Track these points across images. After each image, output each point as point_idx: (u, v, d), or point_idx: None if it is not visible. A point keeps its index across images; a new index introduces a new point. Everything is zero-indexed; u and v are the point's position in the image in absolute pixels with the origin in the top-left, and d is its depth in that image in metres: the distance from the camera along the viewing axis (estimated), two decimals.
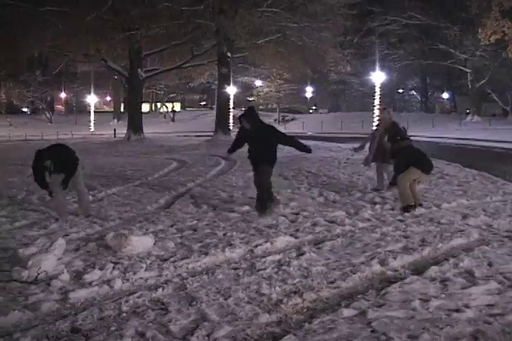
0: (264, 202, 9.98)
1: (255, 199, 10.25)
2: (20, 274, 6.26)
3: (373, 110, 47.15)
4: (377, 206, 10.61)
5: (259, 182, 10.11)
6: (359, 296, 5.53)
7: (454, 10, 51.88)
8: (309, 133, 52.69)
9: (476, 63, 55.36)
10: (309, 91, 77.11)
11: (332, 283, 5.94)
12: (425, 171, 10.44)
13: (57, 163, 10.02)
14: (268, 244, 7.61)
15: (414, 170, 10.22)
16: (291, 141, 10.39)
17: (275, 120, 73.75)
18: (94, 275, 6.27)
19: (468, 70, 56.83)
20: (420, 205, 10.40)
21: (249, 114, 10.28)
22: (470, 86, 58.62)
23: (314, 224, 9.01)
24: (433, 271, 6.27)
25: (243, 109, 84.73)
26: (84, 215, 10.11)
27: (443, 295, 5.47)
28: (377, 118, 40.75)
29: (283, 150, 26.52)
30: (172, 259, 6.92)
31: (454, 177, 15.14)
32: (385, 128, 12.43)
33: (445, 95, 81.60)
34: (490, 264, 6.53)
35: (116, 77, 69.92)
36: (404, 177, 10.26)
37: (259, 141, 9.96)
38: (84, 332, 4.78)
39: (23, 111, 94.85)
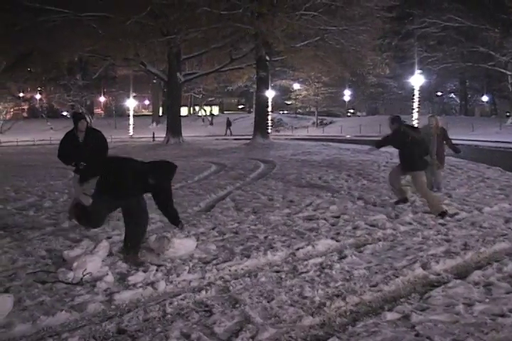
0: None
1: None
2: (65, 275, 6.35)
3: (412, 113, 46.82)
4: (418, 209, 10.56)
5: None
6: (402, 300, 5.53)
7: (495, 12, 51.24)
8: (347, 136, 52.48)
9: None
10: (347, 95, 76.73)
11: (374, 286, 5.94)
12: None
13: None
14: (309, 247, 7.63)
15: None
16: None
17: (313, 123, 73.63)
18: (138, 277, 6.34)
19: (508, 73, 56.08)
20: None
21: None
22: (511, 88, 57.83)
23: (355, 228, 9.01)
24: (476, 275, 6.24)
25: (281, 112, 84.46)
26: None
27: (487, 300, 5.44)
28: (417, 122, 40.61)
29: (321, 153, 26.58)
30: (214, 262, 6.97)
31: (495, 181, 14.98)
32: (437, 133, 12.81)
33: (485, 98, 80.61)
34: None
35: (155, 81, 70.53)
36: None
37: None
38: (130, 333, 4.85)
39: (63, 115, 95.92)
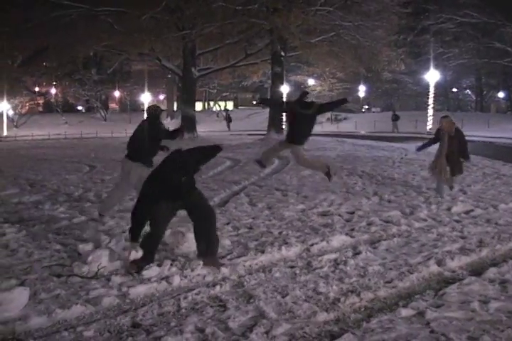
0: None
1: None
2: (80, 269, 6.39)
3: (427, 109, 46.65)
4: (433, 206, 10.52)
5: None
6: (417, 296, 5.52)
7: (511, 7, 50.95)
8: (362, 132, 52.34)
9: None
10: (362, 91, 76.49)
11: (389, 282, 5.93)
12: None
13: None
14: (324, 243, 7.62)
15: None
16: None
17: (328, 119, 73.49)
18: (152, 271, 6.35)
19: None
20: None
21: None
22: None
23: (370, 224, 8.99)
24: (492, 272, 6.21)
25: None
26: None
27: (503, 297, 5.42)
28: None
29: (336, 149, 26.53)
30: (229, 257, 6.98)
31: (510, 177, 14.92)
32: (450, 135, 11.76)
33: (501, 94, 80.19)
34: None
35: (169, 76, 70.51)
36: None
37: None
38: (144, 327, 4.86)
39: (78, 110, 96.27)
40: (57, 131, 61.67)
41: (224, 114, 78.08)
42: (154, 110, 10.04)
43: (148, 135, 9.57)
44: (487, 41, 56.80)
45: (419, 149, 13.32)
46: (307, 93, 11.17)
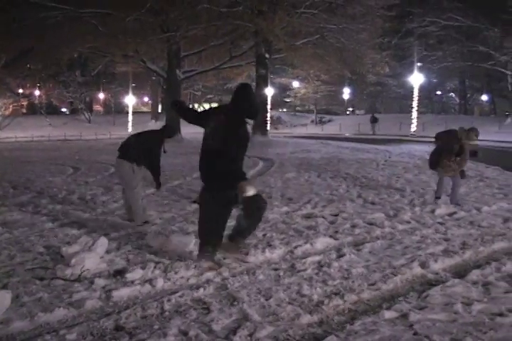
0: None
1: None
2: (63, 272, 6.35)
3: (411, 112, 46.85)
4: (417, 208, 10.55)
5: None
6: (400, 298, 5.52)
7: (495, 11, 51.25)
8: (346, 134, 52.53)
9: None
10: (346, 93, 76.78)
11: (373, 285, 5.93)
12: None
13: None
14: (308, 245, 7.61)
15: None
16: None
17: (312, 121, 73.66)
18: (136, 274, 6.32)
19: (508, 72, 56.19)
20: None
21: None
22: (510, 88, 57.97)
23: (353, 226, 9.00)
24: (475, 274, 6.23)
25: (281, 110, 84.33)
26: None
27: (485, 299, 5.43)
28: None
29: (320, 152, 26.58)
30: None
31: (494, 180, 15.00)
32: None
33: (484, 97, 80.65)
34: None
35: (154, 78, 70.37)
36: None
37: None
38: (127, 330, 4.83)
39: (62, 112, 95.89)
40: (41, 133, 61.34)
41: None
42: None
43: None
44: (471, 44, 57.10)
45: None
46: None
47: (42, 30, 38.31)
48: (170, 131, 10.06)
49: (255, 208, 6.64)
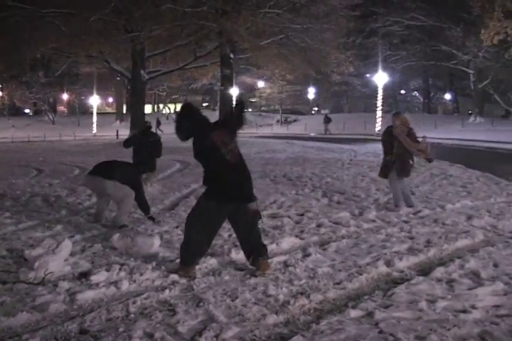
0: None
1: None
2: (27, 275, 6.26)
3: (376, 111, 47.17)
4: (382, 207, 10.63)
5: None
6: (366, 297, 5.55)
7: (457, 11, 51.78)
8: (312, 134, 52.70)
9: (478, 64, 55.32)
10: (311, 93, 77.07)
11: (338, 284, 5.96)
12: None
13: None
14: (274, 245, 7.62)
15: None
16: None
17: (277, 121, 73.76)
18: (100, 276, 6.27)
19: (470, 71, 56.77)
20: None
21: None
22: (472, 87, 58.55)
23: (319, 225, 9.04)
24: (439, 271, 6.29)
25: (246, 110, 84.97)
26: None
27: (449, 296, 5.49)
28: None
29: (286, 151, 26.62)
30: (178, 261, 6.92)
31: (457, 178, 15.16)
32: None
33: (447, 96, 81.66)
34: (495, 265, 6.56)
35: (118, 78, 69.96)
36: None
37: None
38: (92, 333, 4.79)
39: (25, 113, 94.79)
40: (4, 134, 60.54)
41: (174, 117, 77.59)
42: None
43: None
44: (434, 44, 57.62)
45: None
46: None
47: (2, 29, 37.77)
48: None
49: (258, 218, 6.71)
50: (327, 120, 52.13)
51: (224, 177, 6.38)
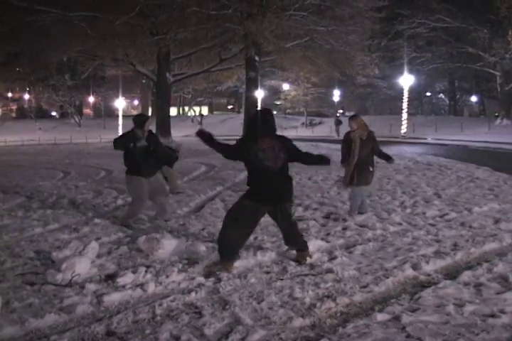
0: None
1: None
2: (54, 277, 6.31)
3: (401, 113, 46.92)
4: (408, 210, 10.57)
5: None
6: (392, 301, 5.51)
7: (483, 12, 51.34)
8: (336, 136, 52.55)
9: (505, 66, 54.72)
10: (336, 95, 76.73)
11: (365, 287, 5.92)
12: None
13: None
14: None
15: None
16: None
17: (302, 124, 73.60)
18: (127, 278, 6.29)
19: (497, 73, 56.22)
20: None
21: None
22: (499, 89, 57.95)
23: (345, 228, 9.00)
24: (466, 275, 6.23)
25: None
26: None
27: (477, 300, 5.43)
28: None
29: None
30: (204, 263, 6.93)
31: (484, 181, 15.01)
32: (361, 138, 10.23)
33: (474, 98, 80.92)
34: None
35: (144, 81, 70.46)
36: None
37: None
38: (119, 335, 4.81)
39: (51, 116, 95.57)
40: (31, 137, 61.15)
41: (199, 119, 77.91)
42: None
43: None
44: (460, 46, 57.13)
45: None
46: None
47: (30, 33, 38.17)
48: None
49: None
50: (338, 122, 51.93)
51: (267, 180, 6.85)
